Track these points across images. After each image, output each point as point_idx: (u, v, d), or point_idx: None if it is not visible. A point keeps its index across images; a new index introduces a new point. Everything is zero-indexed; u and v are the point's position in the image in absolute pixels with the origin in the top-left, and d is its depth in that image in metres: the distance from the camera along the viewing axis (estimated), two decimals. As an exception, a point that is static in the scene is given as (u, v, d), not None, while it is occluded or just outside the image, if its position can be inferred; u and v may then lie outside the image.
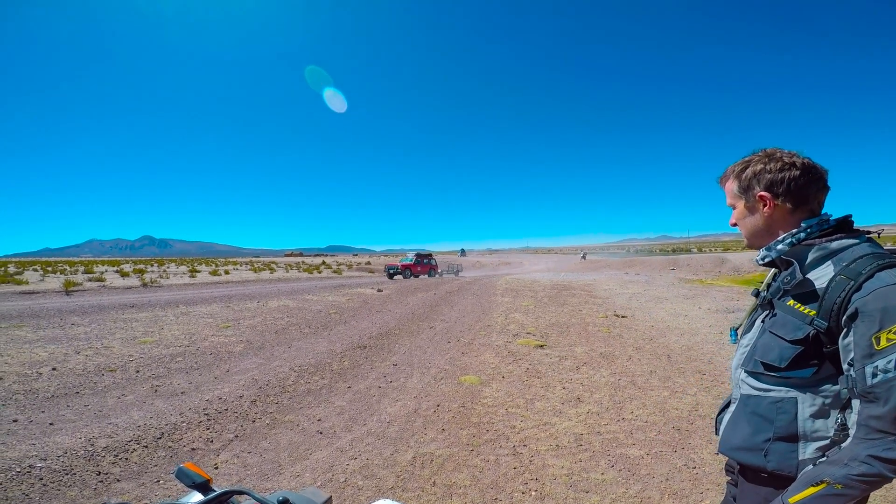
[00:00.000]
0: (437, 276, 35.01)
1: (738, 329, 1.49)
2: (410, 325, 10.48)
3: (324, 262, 55.73)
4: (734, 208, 1.38)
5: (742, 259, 31.16)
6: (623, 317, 10.68)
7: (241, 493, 1.04)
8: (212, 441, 4.21)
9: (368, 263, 51.99)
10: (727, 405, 1.42)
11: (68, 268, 39.25)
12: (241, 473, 3.62)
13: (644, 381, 5.89)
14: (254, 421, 4.71)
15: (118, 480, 3.46)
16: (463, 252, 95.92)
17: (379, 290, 17.78)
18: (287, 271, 38.79)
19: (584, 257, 56.65)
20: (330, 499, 1.33)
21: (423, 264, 34.07)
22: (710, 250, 76.88)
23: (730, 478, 1.45)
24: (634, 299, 13.86)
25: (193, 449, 4.03)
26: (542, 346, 7.90)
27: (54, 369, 6.19)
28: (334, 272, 37.56)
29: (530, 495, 3.23)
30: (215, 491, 1.06)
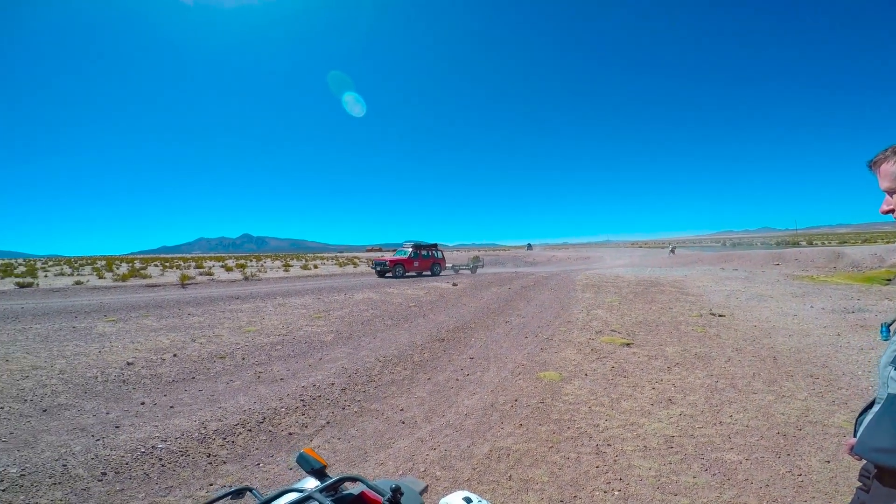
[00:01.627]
0: (443, 272, 28.15)
1: (890, 325, 1.33)
2: (486, 319, 10.50)
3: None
4: (892, 193, 1.25)
5: (862, 253, 27.25)
6: (720, 315, 9.84)
7: (354, 479, 1.12)
8: (306, 426, 4.53)
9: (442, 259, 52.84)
10: (870, 406, 1.29)
11: (182, 263, 44.31)
12: (330, 459, 3.83)
13: (745, 383, 5.42)
14: (343, 408, 5.00)
15: (224, 463, 3.77)
16: (529, 246, 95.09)
17: (454, 285, 18.02)
18: (369, 265, 40.59)
19: (672, 251, 52.42)
20: (427, 487, 1.39)
21: (423, 258, 26.88)
22: (823, 243, 68.06)
23: (861, 483, 1.32)
24: (733, 297, 12.70)
25: (290, 433, 4.35)
26: (628, 344, 7.53)
27: (175, 356, 6.95)
28: None
29: (613, 495, 3.13)
30: (331, 478, 1.15)
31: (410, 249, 26.60)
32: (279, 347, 7.65)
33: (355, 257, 61.05)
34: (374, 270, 26.89)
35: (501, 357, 7.07)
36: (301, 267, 37.00)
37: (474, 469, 3.55)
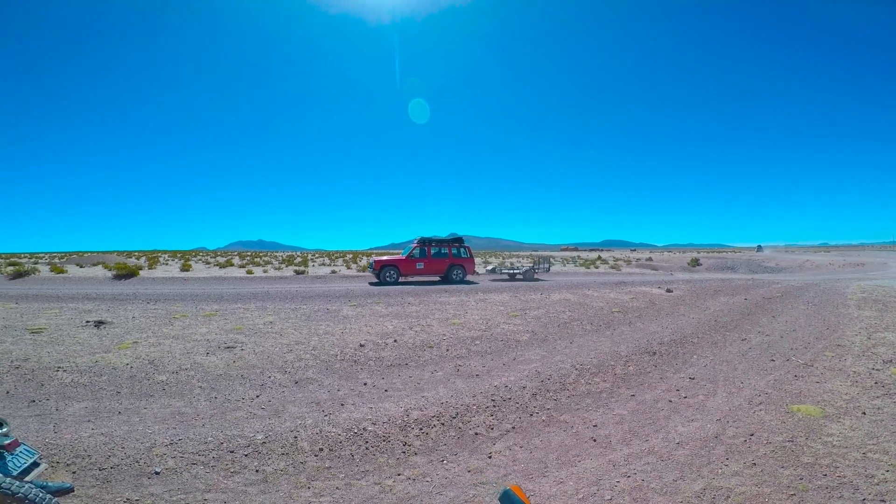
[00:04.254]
0: (463, 278, 19.71)
1: None
2: (713, 334, 8.82)
3: (599, 257, 53.95)
4: None
5: None
6: None
7: None
8: (492, 428, 4.48)
9: (650, 259, 47.03)
10: None
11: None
12: (508, 468, 3.69)
13: None
14: (531, 415, 4.81)
15: (416, 454, 3.93)
16: (759, 248, 79.77)
17: (668, 291, 15.85)
18: (563, 265, 39.24)
19: None
20: None
21: (433, 258, 19.21)
22: None
23: None
24: None
25: (476, 434, 4.36)
26: (941, 383, 5.28)
27: (395, 341, 7.70)
28: (612, 268, 35.43)
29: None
30: None
31: (415, 247, 19.27)
32: (478, 343, 7.90)
33: (550, 256, 60.27)
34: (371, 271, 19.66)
35: (734, 381, 5.84)
36: (498, 264, 38.51)
37: (676, 508, 2.94)
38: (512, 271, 23.00)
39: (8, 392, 5.10)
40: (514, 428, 4.51)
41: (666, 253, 76.45)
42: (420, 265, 19.14)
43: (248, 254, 67.30)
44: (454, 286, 16.95)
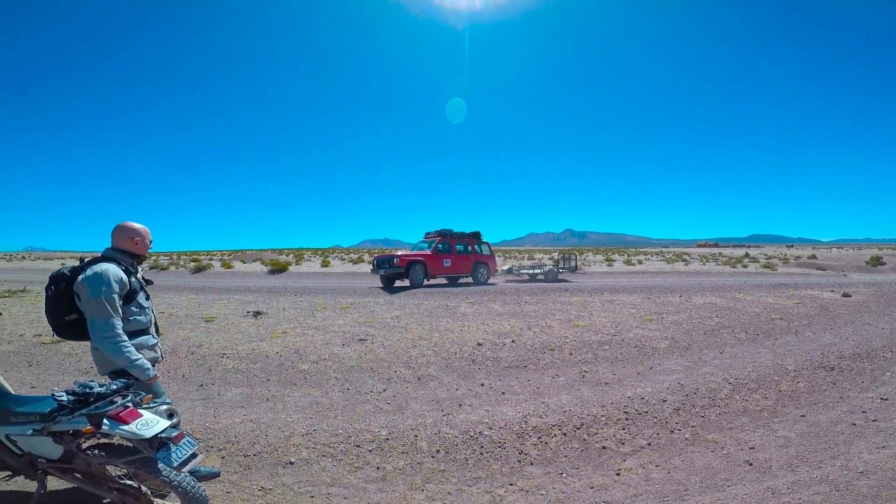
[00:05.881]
0: (487, 279, 17.40)
1: None
2: (914, 347, 7.05)
3: (747, 255, 46.84)
4: None
5: None
6: None
7: None
8: (623, 443, 4.08)
9: (814, 257, 39.46)
10: None
11: (517, 255, 50.62)
12: (640, 487, 3.30)
13: None
14: (672, 431, 4.30)
15: (531, 464, 3.71)
16: None
17: (844, 295, 13.12)
18: (703, 264, 34.81)
19: None
20: None
21: (458, 255, 16.81)
22: None
23: None
24: None
25: (604, 447, 4.00)
26: None
27: (513, 342, 7.48)
28: (764, 267, 30.36)
29: None
30: None
31: (436, 240, 16.59)
32: (606, 347, 7.33)
33: (684, 253, 54.11)
34: (378, 275, 16.44)
35: (950, 405, 4.63)
36: (624, 262, 35.79)
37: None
38: (532, 271, 20.58)
39: (184, 376, 5.98)
40: (649, 444, 4.06)
41: (834, 249, 64.03)
42: (447, 262, 16.63)
43: (377, 251, 72.26)
44: (486, 286, 15.36)
